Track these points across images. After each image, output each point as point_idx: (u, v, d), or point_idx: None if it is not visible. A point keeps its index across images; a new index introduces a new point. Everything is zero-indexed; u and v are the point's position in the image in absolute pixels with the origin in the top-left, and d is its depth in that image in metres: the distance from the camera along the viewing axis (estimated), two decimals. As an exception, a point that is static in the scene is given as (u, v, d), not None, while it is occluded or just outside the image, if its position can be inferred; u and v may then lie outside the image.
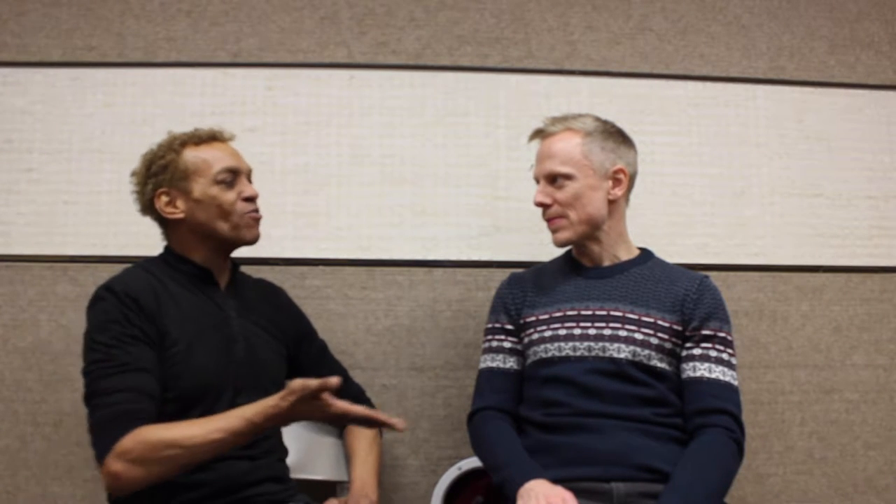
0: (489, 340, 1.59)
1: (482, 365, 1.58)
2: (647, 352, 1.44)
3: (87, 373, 1.34)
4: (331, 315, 1.86)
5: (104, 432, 1.27)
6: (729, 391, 1.43)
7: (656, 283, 1.51)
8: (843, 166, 2.01)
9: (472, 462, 1.69)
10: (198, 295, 1.45)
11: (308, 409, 1.24)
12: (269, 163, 1.88)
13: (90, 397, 1.32)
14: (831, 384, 1.94)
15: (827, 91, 2.04)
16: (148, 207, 1.48)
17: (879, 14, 2.09)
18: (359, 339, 1.87)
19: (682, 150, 1.98)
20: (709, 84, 2.01)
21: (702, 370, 1.44)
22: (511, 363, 1.55)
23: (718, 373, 1.43)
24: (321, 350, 1.67)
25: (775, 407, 1.92)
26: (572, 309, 1.50)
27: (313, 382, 1.20)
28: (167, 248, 1.51)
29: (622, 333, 1.45)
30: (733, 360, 1.47)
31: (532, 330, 1.52)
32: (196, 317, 1.42)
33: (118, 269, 1.48)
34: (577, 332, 1.47)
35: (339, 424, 1.30)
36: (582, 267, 1.57)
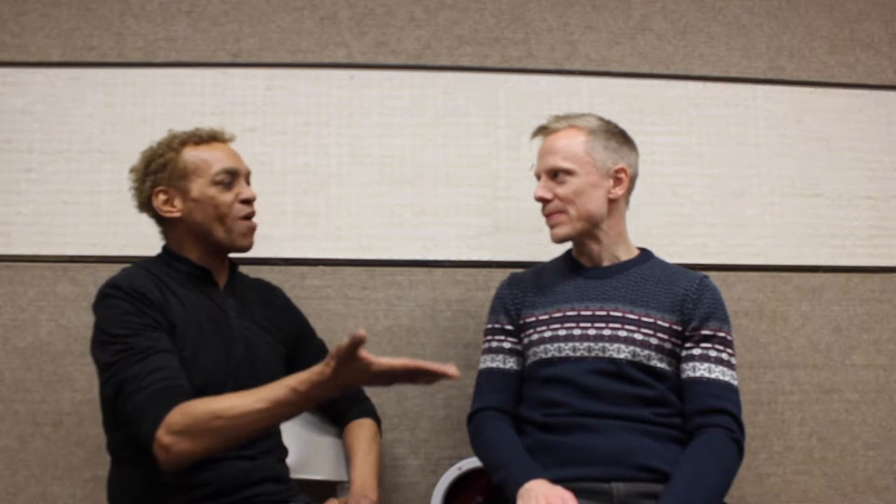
0: (489, 341, 1.59)
1: (482, 365, 1.58)
2: (646, 352, 1.44)
3: (108, 366, 1.33)
4: (331, 315, 1.86)
5: (148, 411, 1.26)
6: (729, 391, 1.43)
7: (656, 284, 1.51)
8: (843, 166, 2.01)
9: (472, 462, 1.69)
10: (198, 294, 1.45)
11: (351, 372, 1.20)
12: (269, 163, 1.88)
13: (121, 387, 1.30)
14: (831, 384, 1.94)
15: (827, 91, 2.04)
16: (145, 205, 1.49)
17: (879, 14, 2.09)
18: (359, 339, 1.87)
19: (682, 150, 1.99)
20: (709, 84, 2.01)
21: (701, 370, 1.44)
22: (511, 363, 1.55)
23: (718, 373, 1.43)
24: (320, 349, 1.67)
25: (775, 407, 1.92)
26: (572, 309, 1.50)
27: (344, 342, 1.17)
28: (165, 248, 1.51)
29: (622, 334, 1.45)
30: (733, 360, 1.47)
31: (532, 330, 1.52)
32: (198, 316, 1.43)
33: (118, 269, 1.48)
34: (577, 332, 1.47)
35: (388, 384, 1.27)
36: (582, 267, 1.57)
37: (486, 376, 1.56)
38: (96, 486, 1.75)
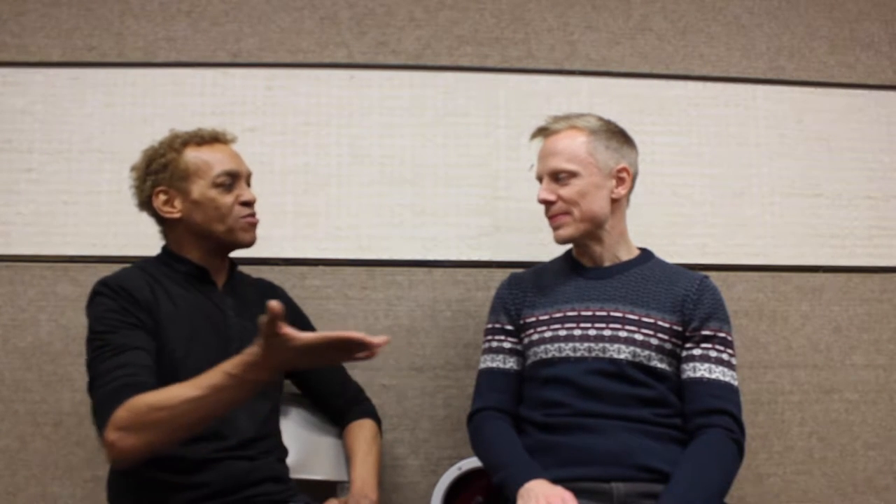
0: (489, 341, 1.59)
1: (482, 365, 1.58)
2: (647, 352, 1.44)
3: (88, 364, 1.34)
4: (331, 315, 1.86)
5: (103, 408, 1.26)
6: (729, 391, 1.43)
7: (656, 284, 1.51)
8: (843, 166, 2.01)
9: (472, 462, 1.69)
10: (195, 294, 1.45)
11: (277, 350, 1.14)
12: (269, 163, 1.88)
13: (91, 384, 1.32)
14: (831, 384, 1.94)
15: (827, 91, 2.04)
16: (145, 204, 1.49)
17: (879, 14, 2.09)
18: (359, 339, 1.86)
19: (682, 150, 1.99)
20: (709, 84, 2.01)
21: (702, 370, 1.44)
22: (511, 363, 1.55)
23: (718, 373, 1.43)
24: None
25: (775, 407, 1.92)
26: (572, 310, 1.50)
27: (262, 317, 1.12)
28: (164, 248, 1.51)
29: (622, 334, 1.45)
30: (733, 361, 1.47)
31: (532, 330, 1.52)
32: (192, 315, 1.42)
33: (118, 269, 1.48)
34: (578, 332, 1.47)
35: (321, 361, 1.22)
36: (582, 267, 1.57)
37: (487, 376, 1.56)
38: (96, 486, 1.75)
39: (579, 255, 1.58)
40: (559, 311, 1.51)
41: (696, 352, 1.45)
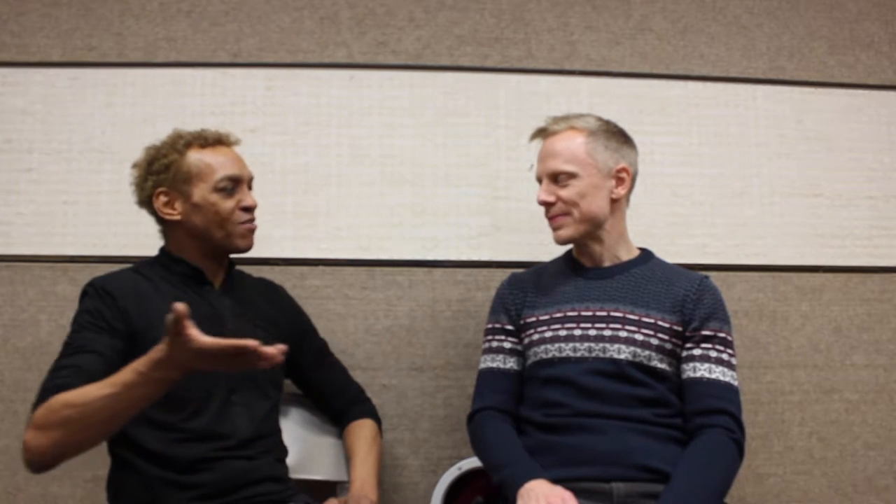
0: (489, 341, 1.59)
1: (482, 365, 1.58)
2: (647, 352, 1.44)
3: None
4: (331, 315, 1.86)
5: (33, 410, 1.26)
6: (729, 391, 1.43)
7: (656, 284, 1.51)
8: (843, 166, 2.01)
9: (472, 462, 1.69)
10: (190, 294, 1.44)
11: (180, 350, 1.14)
12: (269, 163, 1.88)
13: None
14: (831, 384, 1.94)
15: (827, 91, 2.04)
16: (145, 203, 1.49)
17: (879, 14, 2.09)
18: (359, 339, 1.87)
19: (682, 150, 1.98)
20: (709, 84, 2.01)
21: (702, 370, 1.44)
22: (511, 363, 1.55)
23: (718, 373, 1.43)
24: (321, 349, 1.67)
25: (775, 407, 1.92)
26: (572, 310, 1.50)
27: (169, 317, 1.12)
28: (162, 249, 1.51)
29: (622, 334, 1.45)
30: (733, 361, 1.47)
31: (532, 330, 1.52)
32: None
33: (118, 269, 1.48)
34: (578, 332, 1.47)
35: (221, 367, 1.19)
36: (582, 267, 1.57)
37: (487, 376, 1.56)
38: (96, 486, 1.75)
39: (579, 255, 1.58)
40: (559, 312, 1.51)
41: (697, 352, 1.45)
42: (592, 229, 1.52)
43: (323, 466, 1.62)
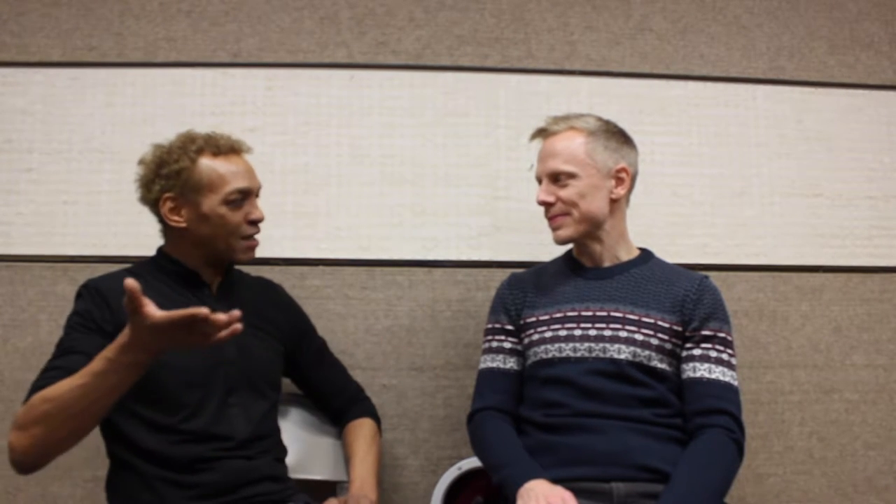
0: (489, 341, 1.59)
1: (482, 365, 1.58)
2: (647, 352, 1.44)
3: None
4: (331, 315, 1.86)
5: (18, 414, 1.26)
6: (729, 391, 1.43)
7: (656, 284, 1.51)
8: (843, 166, 2.01)
9: (472, 462, 1.69)
10: (186, 296, 1.44)
11: (141, 330, 1.13)
12: (269, 163, 1.88)
13: None
14: (831, 384, 1.94)
15: (827, 91, 2.04)
16: (150, 204, 1.46)
17: (879, 14, 2.09)
18: (359, 339, 1.87)
19: (682, 150, 1.99)
20: (709, 84, 2.01)
21: (702, 370, 1.44)
22: (511, 363, 1.55)
23: (718, 373, 1.43)
24: (320, 348, 1.67)
25: (775, 407, 1.92)
26: (572, 310, 1.50)
27: (124, 299, 1.12)
28: (160, 250, 1.50)
29: (622, 334, 1.45)
30: (733, 361, 1.47)
31: (532, 331, 1.52)
32: None
33: (118, 269, 1.48)
34: (578, 332, 1.47)
35: (183, 344, 1.17)
36: (582, 267, 1.57)
37: (487, 376, 1.56)
38: (96, 486, 1.75)
39: (579, 255, 1.58)
40: (559, 312, 1.51)
41: (696, 352, 1.45)
42: (592, 229, 1.52)
43: (322, 466, 1.62)
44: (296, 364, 1.60)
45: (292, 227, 1.88)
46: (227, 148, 1.45)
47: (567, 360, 1.46)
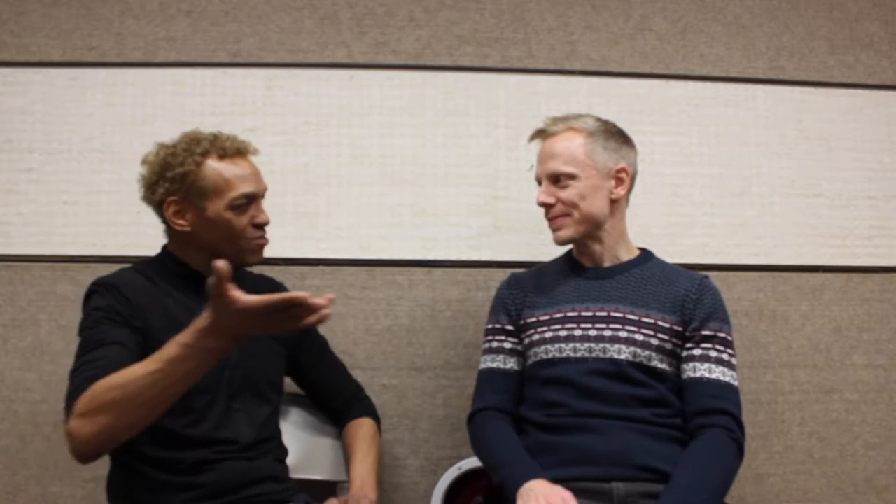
0: (489, 341, 1.59)
1: (482, 365, 1.58)
2: (647, 353, 1.44)
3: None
4: (331, 315, 1.85)
5: (68, 403, 1.23)
6: (729, 391, 1.43)
7: (656, 284, 1.51)
8: (843, 166, 2.01)
9: (472, 462, 1.69)
10: (191, 297, 1.43)
11: (225, 314, 1.10)
12: (269, 163, 1.87)
13: (69, 382, 1.29)
14: (831, 384, 1.94)
15: (827, 91, 2.04)
16: (153, 205, 1.45)
17: (879, 14, 2.09)
18: (359, 339, 1.87)
19: (682, 150, 1.99)
20: (709, 84, 2.01)
21: (702, 370, 1.44)
22: (511, 364, 1.55)
23: (718, 373, 1.43)
24: (321, 347, 1.67)
25: (775, 407, 1.92)
26: (572, 310, 1.50)
27: (210, 279, 1.08)
28: (165, 249, 1.49)
29: (622, 334, 1.45)
30: (733, 361, 1.47)
31: (532, 331, 1.52)
32: (185, 320, 1.40)
33: (118, 269, 1.48)
34: (578, 333, 1.47)
35: (272, 328, 1.13)
36: (582, 267, 1.57)
37: (487, 376, 1.56)
38: (96, 486, 1.75)
39: (579, 255, 1.58)
40: (559, 312, 1.51)
41: (697, 352, 1.45)
42: (592, 230, 1.52)
43: (322, 466, 1.62)
44: (297, 362, 1.60)
45: (292, 227, 1.88)
46: (234, 150, 1.43)
47: (567, 360, 1.46)
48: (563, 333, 1.48)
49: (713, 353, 1.45)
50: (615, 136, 1.54)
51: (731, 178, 1.99)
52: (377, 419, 1.65)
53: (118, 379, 1.18)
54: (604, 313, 1.48)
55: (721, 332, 1.47)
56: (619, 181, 1.52)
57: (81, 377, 1.25)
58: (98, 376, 1.21)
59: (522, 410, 1.51)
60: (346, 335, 1.86)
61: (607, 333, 1.46)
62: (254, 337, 1.46)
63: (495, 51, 1.98)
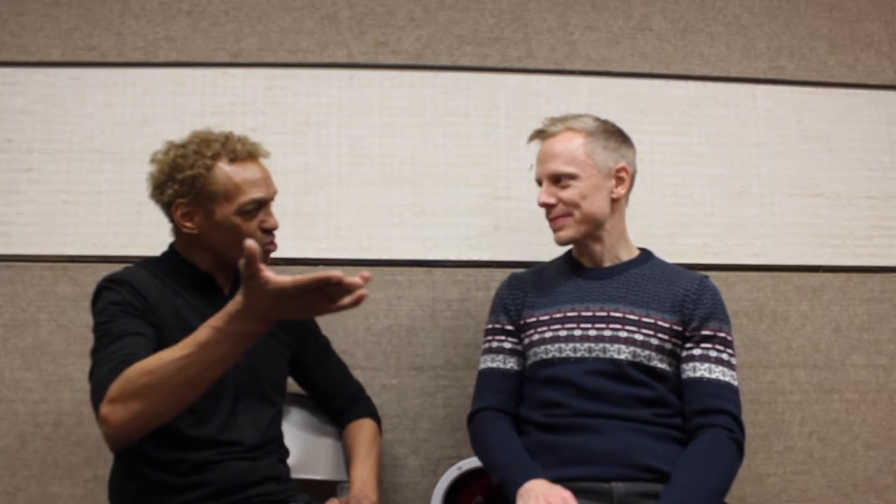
0: (489, 341, 1.59)
1: (482, 365, 1.58)
2: (647, 352, 1.44)
3: (91, 354, 1.31)
4: (331, 315, 1.84)
5: (98, 391, 1.22)
6: (729, 391, 1.43)
7: (656, 284, 1.51)
8: (843, 166, 2.01)
9: (472, 462, 1.69)
10: (200, 299, 1.43)
11: (257, 295, 1.07)
12: (269, 163, 1.87)
13: (91, 372, 1.28)
14: (831, 384, 1.94)
15: (827, 91, 2.04)
16: (162, 205, 1.44)
17: (879, 14, 2.09)
18: (359, 339, 1.87)
19: (682, 150, 1.99)
20: (709, 84, 2.01)
21: (702, 370, 1.44)
22: (511, 364, 1.55)
23: (718, 373, 1.43)
24: (324, 347, 1.67)
25: (775, 407, 1.92)
26: (572, 310, 1.50)
27: (241, 260, 1.06)
28: (172, 248, 1.49)
29: (622, 334, 1.45)
30: (733, 361, 1.47)
31: (532, 331, 1.52)
32: (195, 321, 1.40)
33: (118, 269, 1.48)
34: (578, 333, 1.47)
35: (309, 312, 1.11)
36: (582, 267, 1.57)
37: (487, 376, 1.56)
38: (96, 486, 1.76)
39: (579, 255, 1.58)
40: (559, 312, 1.51)
41: (696, 352, 1.45)
42: (594, 230, 1.52)
43: (323, 466, 1.62)
44: (300, 362, 1.60)
45: (292, 227, 1.88)
46: (245, 153, 1.42)
47: (567, 360, 1.47)
48: (562, 333, 1.48)
49: (713, 353, 1.45)
50: (614, 135, 1.54)
51: (731, 178, 1.98)
52: (378, 420, 1.65)
53: (150, 364, 1.17)
54: (604, 313, 1.48)
55: (721, 331, 1.47)
56: (620, 180, 1.52)
57: (110, 365, 1.23)
58: (129, 362, 1.20)
59: (522, 410, 1.51)
60: (346, 335, 1.86)
61: (607, 333, 1.46)
62: (261, 340, 1.46)
63: (495, 51, 1.98)
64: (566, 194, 1.49)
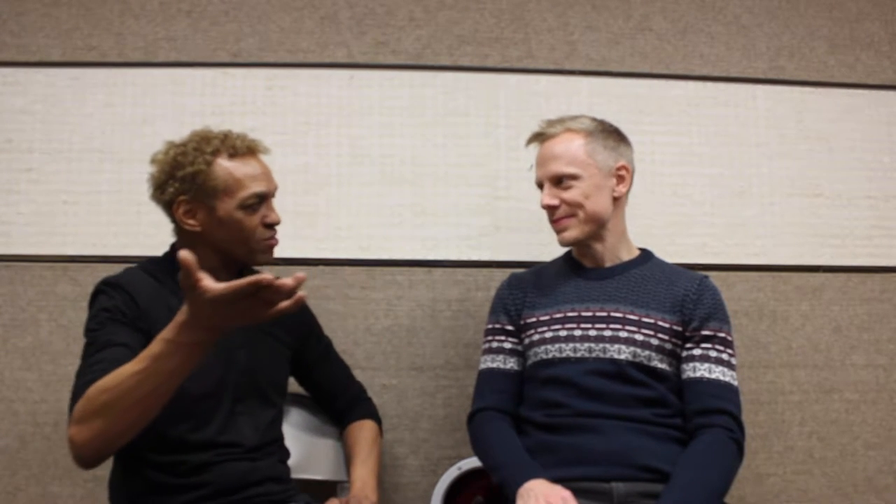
0: (489, 341, 1.59)
1: (482, 365, 1.58)
2: (647, 353, 1.44)
3: (80, 360, 1.32)
4: (331, 315, 1.86)
5: (69, 411, 1.22)
6: (729, 391, 1.43)
7: (656, 284, 1.51)
8: (843, 166, 2.01)
9: (472, 462, 1.69)
10: None
11: (199, 305, 1.06)
12: (270, 163, 1.87)
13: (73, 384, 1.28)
14: (831, 384, 1.95)
15: (827, 91, 2.04)
16: (163, 205, 1.43)
17: (879, 14, 2.09)
18: (359, 339, 1.87)
19: (682, 150, 1.99)
20: (709, 84, 2.01)
21: (702, 370, 1.44)
22: (511, 364, 1.55)
23: (718, 373, 1.43)
24: (327, 347, 1.67)
25: (775, 407, 1.93)
26: (572, 310, 1.50)
27: (180, 273, 1.05)
28: (173, 249, 1.48)
29: (622, 335, 1.45)
30: (733, 361, 1.47)
31: (532, 331, 1.52)
32: None
33: (118, 269, 1.48)
34: (578, 333, 1.47)
35: (247, 319, 1.09)
36: (582, 268, 1.57)
37: (487, 376, 1.56)
38: (96, 486, 1.76)
39: (580, 255, 1.58)
40: (559, 312, 1.51)
41: (696, 352, 1.46)
42: (597, 229, 1.52)
43: (323, 467, 1.62)
44: (302, 362, 1.60)
45: (292, 227, 1.88)
46: (244, 149, 1.42)
47: (567, 360, 1.47)
48: (563, 333, 1.48)
49: (713, 353, 1.45)
50: (612, 134, 1.54)
51: (731, 178, 1.99)
52: (379, 421, 1.65)
53: (108, 382, 1.17)
54: (604, 313, 1.48)
55: (721, 331, 1.47)
56: (621, 179, 1.52)
57: (84, 380, 1.24)
58: (96, 380, 1.20)
59: (522, 410, 1.51)
60: (346, 335, 1.86)
61: (607, 333, 1.46)
62: (261, 340, 1.46)
63: (495, 51, 1.98)
64: (569, 195, 1.49)
